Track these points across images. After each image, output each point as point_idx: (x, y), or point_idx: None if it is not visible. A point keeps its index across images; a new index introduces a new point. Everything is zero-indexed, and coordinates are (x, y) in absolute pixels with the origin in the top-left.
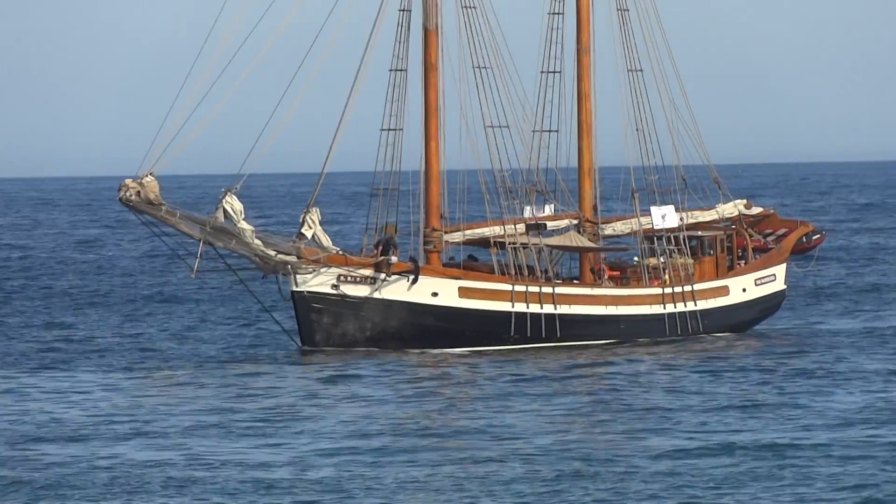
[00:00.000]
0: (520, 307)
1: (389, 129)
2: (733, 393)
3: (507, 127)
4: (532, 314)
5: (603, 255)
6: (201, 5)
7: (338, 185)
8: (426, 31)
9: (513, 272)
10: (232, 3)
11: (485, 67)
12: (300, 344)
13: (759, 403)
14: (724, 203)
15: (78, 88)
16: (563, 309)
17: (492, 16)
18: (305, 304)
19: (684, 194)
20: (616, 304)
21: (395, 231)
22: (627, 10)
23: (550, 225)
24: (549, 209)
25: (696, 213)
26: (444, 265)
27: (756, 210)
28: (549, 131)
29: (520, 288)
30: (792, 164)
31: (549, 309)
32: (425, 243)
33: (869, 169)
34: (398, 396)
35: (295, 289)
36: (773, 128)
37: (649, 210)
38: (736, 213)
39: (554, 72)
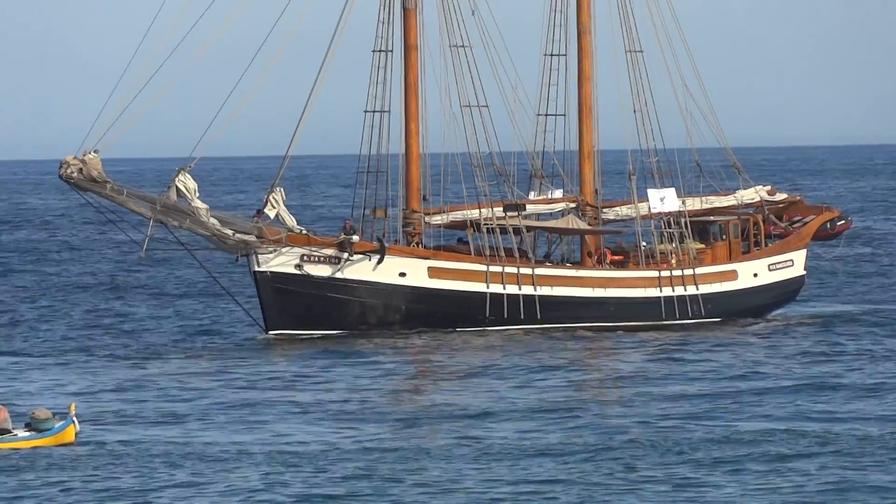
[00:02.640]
0: (496, 288)
1: (374, 111)
2: (706, 375)
3: (486, 107)
4: (509, 295)
5: (619, 240)
6: None
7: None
8: (405, 10)
9: (487, 253)
10: None
11: (462, 46)
12: (264, 328)
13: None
14: (744, 188)
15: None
16: (544, 290)
17: None
18: (268, 285)
19: (698, 178)
20: (605, 287)
21: (386, 215)
22: None
23: (545, 208)
24: (558, 193)
25: (712, 198)
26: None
27: (781, 196)
28: (556, 115)
29: (495, 268)
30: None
31: (527, 290)
32: (405, 225)
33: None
34: (371, 380)
35: (257, 269)
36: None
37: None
38: (757, 198)
39: (558, 55)
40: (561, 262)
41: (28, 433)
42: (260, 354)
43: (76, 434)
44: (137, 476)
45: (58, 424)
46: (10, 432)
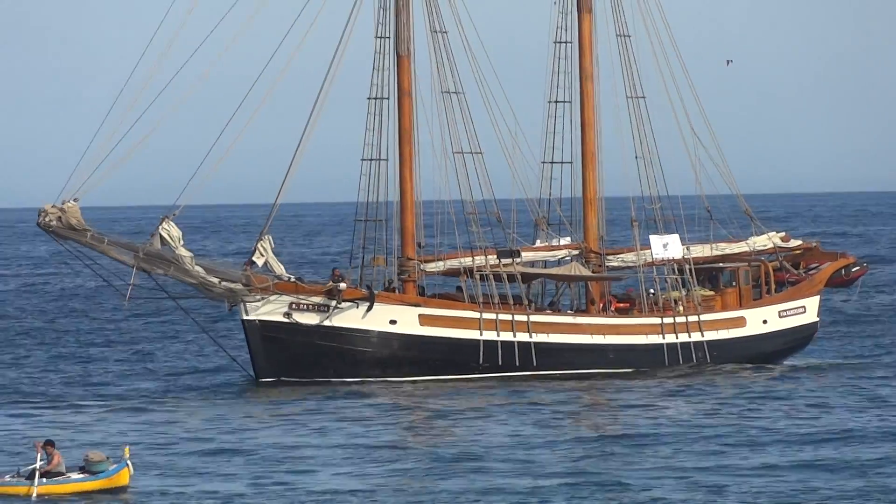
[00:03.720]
0: (489, 335)
1: (371, 159)
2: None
3: (480, 153)
4: (504, 342)
5: (630, 287)
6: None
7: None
8: (398, 56)
9: (480, 300)
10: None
11: (455, 92)
12: (254, 376)
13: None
14: (756, 235)
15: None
16: (540, 337)
17: (475, 41)
18: (257, 334)
19: (709, 225)
20: (604, 333)
21: (385, 263)
22: (629, 37)
23: (546, 255)
24: (566, 240)
25: (723, 244)
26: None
27: (795, 243)
28: (562, 162)
29: (489, 315)
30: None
31: (522, 337)
32: (400, 273)
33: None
34: (367, 426)
35: (245, 317)
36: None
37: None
38: (770, 245)
39: (563, 101)
40: (569, 310)
41: (81, 475)
42: (251, 402)
43: (130, 477)
44: None
45: (112, 467)
46: (65, 475)
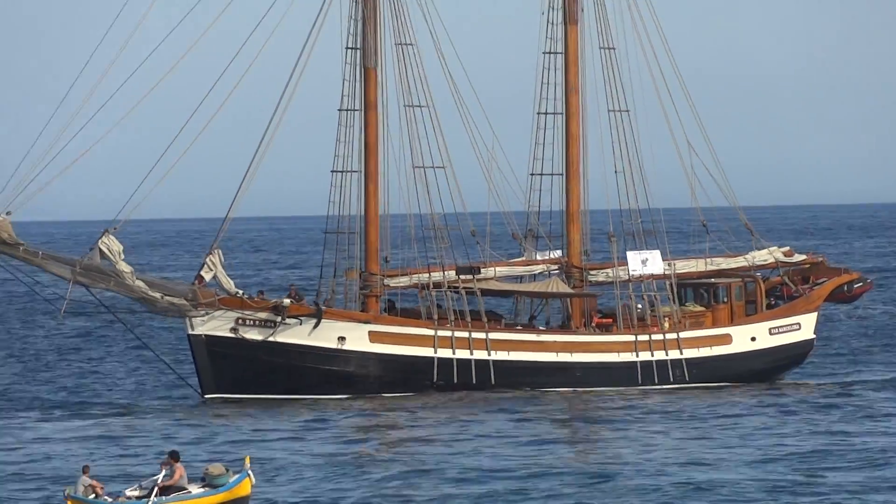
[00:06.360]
0: (444, 353)
1: (341, 171)
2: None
3: (443, 167)
4: (459, 360)
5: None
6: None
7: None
8: (365, 69)
9: (435, 316)
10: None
11: (419, 106)
12: (200, 392)
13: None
14: (757, 249)
15: None
16: (500, 355)
17: (449, 52)
18: (203, 349)
19: (704, 239)
20: (570, 351)
21: (359, 276)
22: (613, 49)
23: (522, 270)
24: (557, 254)
25: (719, 259)
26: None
27: (799, 258)
28: (552, 174)
29: (444, 333)
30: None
31: (480, 355)
32: (363, 287)
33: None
34: (322, 442)
35: (191, 332)
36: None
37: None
38: (771, 260)
39: (552, 113)
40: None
41: (202, 489)
42: (193, 420)
43: (252, 487)
44: None
45: (232, 479)
46: (186, 490)
